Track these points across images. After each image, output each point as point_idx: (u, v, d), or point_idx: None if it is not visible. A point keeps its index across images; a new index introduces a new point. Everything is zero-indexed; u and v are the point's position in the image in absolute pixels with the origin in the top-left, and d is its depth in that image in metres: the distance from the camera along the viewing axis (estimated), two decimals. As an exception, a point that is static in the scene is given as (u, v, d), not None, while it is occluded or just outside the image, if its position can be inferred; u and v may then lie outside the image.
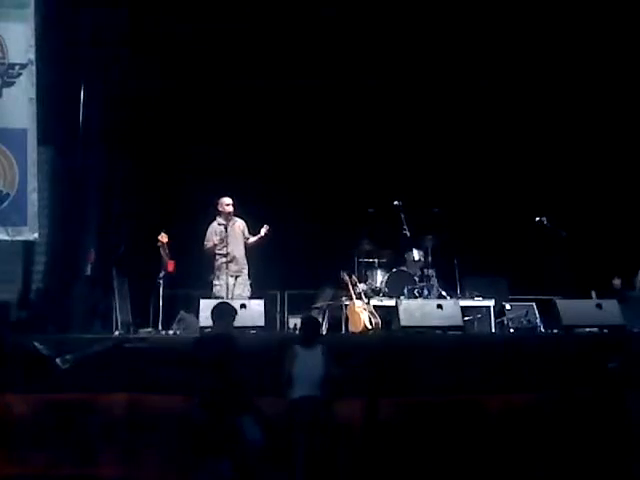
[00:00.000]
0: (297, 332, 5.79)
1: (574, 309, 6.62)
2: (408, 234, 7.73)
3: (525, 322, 7.20)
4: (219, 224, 7.26)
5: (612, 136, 8.62)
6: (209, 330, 5.50)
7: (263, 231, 7.18)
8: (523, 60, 8.56)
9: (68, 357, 5.35)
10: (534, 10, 8.21)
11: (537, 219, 7.54)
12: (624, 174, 8.56)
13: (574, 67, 8.53)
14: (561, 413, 5.46)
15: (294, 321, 7.53)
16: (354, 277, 7.54)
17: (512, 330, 7.20)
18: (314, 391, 4.83)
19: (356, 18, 8.29)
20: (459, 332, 6.65)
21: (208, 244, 7.22)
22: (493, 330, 7.25)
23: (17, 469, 5.01)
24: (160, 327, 6.84)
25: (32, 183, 6.88)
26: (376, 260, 7.90)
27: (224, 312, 5.11)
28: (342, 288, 7.54)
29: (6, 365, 5.07)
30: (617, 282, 7.85)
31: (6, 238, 6.82)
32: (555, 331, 6.71)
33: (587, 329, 6.56)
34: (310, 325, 5.18)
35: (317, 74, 8.44)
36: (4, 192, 6.86)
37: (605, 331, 6.52)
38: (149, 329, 6.88)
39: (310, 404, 4.79)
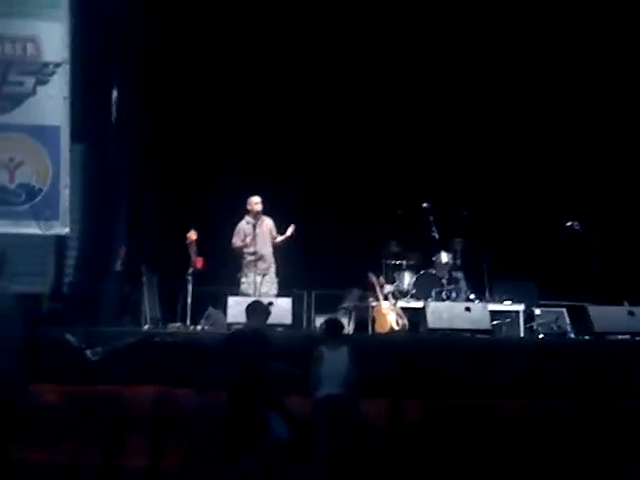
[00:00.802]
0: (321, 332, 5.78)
1: (606, 315, 6.54)
2: (437, 236, 7.68)
3: (555, 328, 7.08)
4: (247, 222, 7.30)
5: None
6: (242, 327, 5.51)
7: (290, 231, 7.21)
8: (555, 62, 8.47)
9: (98, 349, 5.42)
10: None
11: (568, 224, 7.44)
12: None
13: (604, 68, 8.40)
14: (590, 420, 5.37)
15: (321, 321, 7.51)
16: (381, 278, 7.51)
17: (542, 335, 7.09)
18: (339, 390, 4.83)
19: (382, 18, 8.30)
20: (487, 335, 6.59)
21: (236, 242, 7.27)
22: (522, 335, 7.15)
23: (45, 457, 5.06)
24: (188, 322, 6.89)
25: (64, 179, 7.01)
26: (404, 262, 7.85)
27: (258, 310, 5.14)
28: (369, 289, 7.51)
29: (38, 356, 5.13)
30: None
31: (38, 232, 6.94)
32: (586, 337, 6.61)
33: (619, 336, 6.45)
34: (332, 326, 5.20)
35: (347, 75, 8.44)
36: (37, 187, 6.99)
37: (637, 338, 6.41)
38: (177, 324, 6.93)
39: (335, 402, 4.79)
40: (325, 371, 4.86)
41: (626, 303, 6.94)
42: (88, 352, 5.40)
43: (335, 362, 4.89)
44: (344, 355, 4.95)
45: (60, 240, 7.14)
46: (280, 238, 7.31)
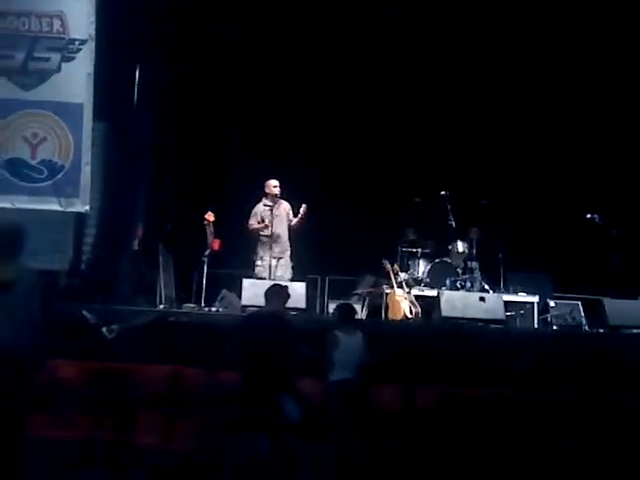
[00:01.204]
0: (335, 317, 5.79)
1: (622, 309, 6.52)
2: (454, 225, 7.66)
3: (570, 320, 7.05)
4: (265, 205, 7.32)
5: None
6: (261, 309, 5.55)
7: (301, 211, 7.19)
8: (580, 55, 8.33)
9: (114, 327, 5.49)
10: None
11: (588, 216, 7.38)
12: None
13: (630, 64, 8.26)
14: (600, 412, 5.37)
15: (334, 306, 7.52)
16: (396, 265, 7.50)
17: (555, 327, 7.07)
18: (352, 374, 4.88)
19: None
20: (501, 326, 6.58)
21: (253, 224, 7.29)
22: (536, 326, 7.13)
23: (60, 432, 5.16)
24: (203, 304, 6.95)
25: (86, 156, 7.04)
26: (419, 250, 7.84)
27: (278, 293, 5.17)
28: (383, 276, 7.51)
29: (56, 331, 5.22)
30: None
31: (59, 209, 7.00)
32: (601, 330, 6.59)
33: (634, 330, 6.42)
34: (345, 311, 5.23)
35: (365, 59, 8.38)
36: (59, 164, 7.03)
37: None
38: (192, 305, 6.99)
39: (347, 387, 4.83)
40: (339, 356, 4.90)
41: None
42: (104, 329, 5.47)
43: (350, 347, 4.93)
44: (359, 340, 4.99)
45: (79, 217, 7.21)
46: (294, 221, 7.32)
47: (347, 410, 4.81)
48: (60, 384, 5.30)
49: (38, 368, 3.91)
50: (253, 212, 7.35)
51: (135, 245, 7.56)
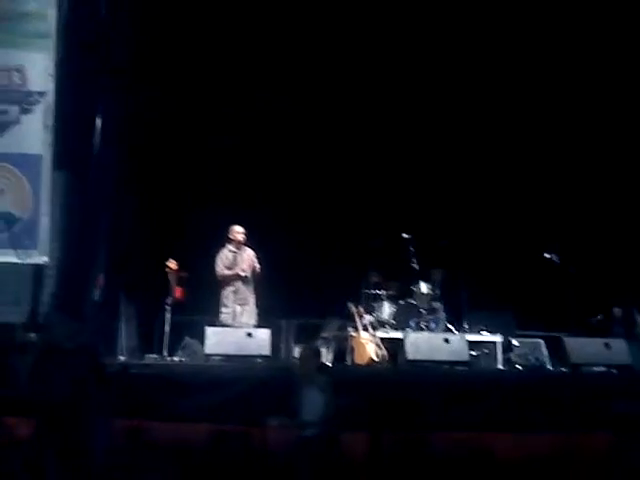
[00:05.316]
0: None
1: (582, 347, 6.59)
2: (416, 267, 7.73)
3: (532, 359, 7.12)
4: (230, 251, 7.30)
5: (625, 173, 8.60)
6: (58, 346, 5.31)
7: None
8: (543, 95, 8.58)
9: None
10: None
11: (546, 255, 7.53)
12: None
13: (597, 102, 8.52)
14: (565, 455, 5.38)
15: (299, 350, 7.47)
16: (361, 308, 7.51)
17: (519, 367, 7.12)
18: (318, 421, 4.75)
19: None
20: (465, 367, 6.61)
21: (223, 270, 7.19)
22: (500, 366, 7.18)
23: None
24: (165, 353, 6.84)
25: (45, 207, 6.98)
26: (384, 292, 7.87)
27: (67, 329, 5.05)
28: (349, 319, 7.51)
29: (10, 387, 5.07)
30: (617, 311, 7.79)
31: (16, 261, 6.89)
32: (563, 369, 6.65)
33: (595, 368, 6.51)
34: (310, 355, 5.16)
35: (324, 105, 8.53)
36: (17, 215, 6.96)
37: (613, 371, 6.47)
38: (154, 355, 6.87)
39: (317, 443, 4.69)
40: (310, 401, 4.77)
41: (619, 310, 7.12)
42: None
43: (316, 393, 4.80)
44: (326, 386, 4.85)
45: (37, 269, 7.09)
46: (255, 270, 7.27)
47: (316, 466, 4.66)
48: (14, 443, 5.12)
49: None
50: (218, 258, 7.30)
51: (96, 295, 7.43)
